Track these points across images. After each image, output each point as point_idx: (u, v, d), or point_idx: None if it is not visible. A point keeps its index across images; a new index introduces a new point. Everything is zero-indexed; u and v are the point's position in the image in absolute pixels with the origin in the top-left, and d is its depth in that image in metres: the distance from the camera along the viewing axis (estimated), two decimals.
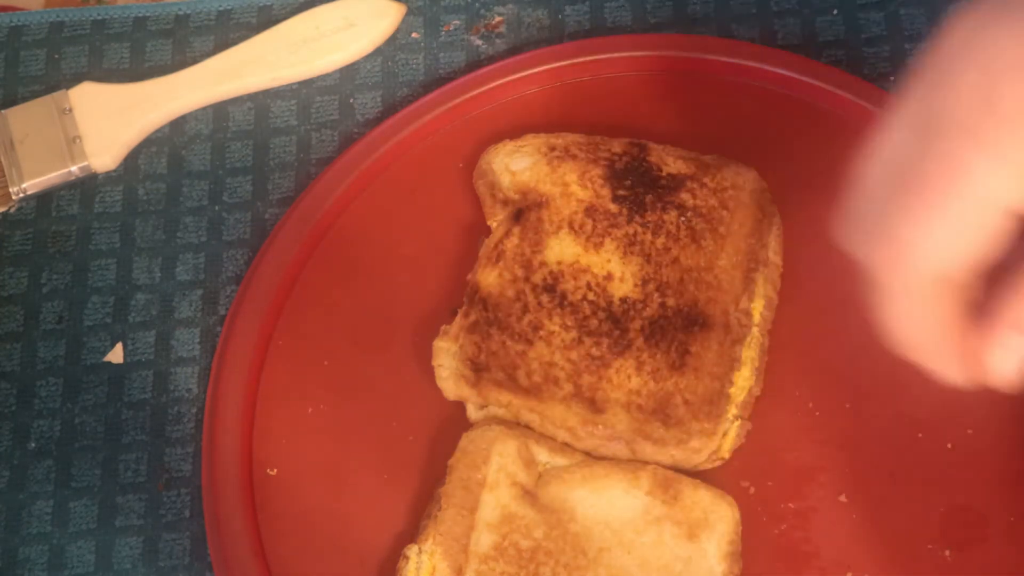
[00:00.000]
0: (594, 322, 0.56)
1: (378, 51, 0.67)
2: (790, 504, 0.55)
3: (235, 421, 0.57)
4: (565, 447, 0.54)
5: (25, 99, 0.66)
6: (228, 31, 0.68)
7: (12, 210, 0.64)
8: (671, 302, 0.56)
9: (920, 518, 0.54)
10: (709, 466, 0.54)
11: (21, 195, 0.64)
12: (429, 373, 0.56)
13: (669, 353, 0.55)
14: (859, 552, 0.53)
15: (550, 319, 0.56)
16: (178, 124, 0.66)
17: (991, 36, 0.40)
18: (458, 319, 0.56)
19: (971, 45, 0.40)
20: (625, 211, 0.58)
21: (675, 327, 0.55)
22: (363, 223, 0.62)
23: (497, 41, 0.67)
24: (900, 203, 0.41)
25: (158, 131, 0.66)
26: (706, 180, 0.58)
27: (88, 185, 0.65)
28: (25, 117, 0.65)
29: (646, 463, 0.53)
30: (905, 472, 0.55)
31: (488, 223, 0.60)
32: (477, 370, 0.55)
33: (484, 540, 0.52)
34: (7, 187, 0.64)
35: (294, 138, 0.65)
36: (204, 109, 0.66)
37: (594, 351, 0.55)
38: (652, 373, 0.54)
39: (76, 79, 0.66)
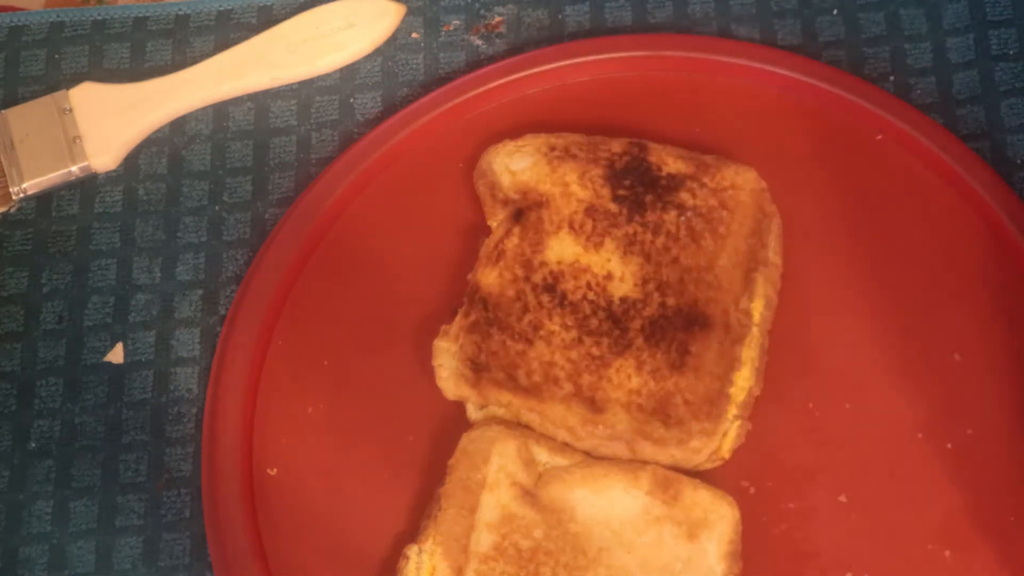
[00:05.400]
0: (594, 322, 0.56)
1: (378, 51, 0.67)
2: (790, 504, 0.55)
3: (235, 421, 0.57)
4: (565, 447, 0.54)
5: (25, 99, 0.66)
6: (228, 31, 0.68)
7: (12, 210, 0.64)
8: (671, 302, 0.56)
9: (920, 518, 0.54)
10: (709, 466, 0.54)
11: (21, 195, 0.64)
12: (429, 373, 0.56)
13: (669, 353, 0.55)
14: (859, 552, 0.54)
15: (550, 319, 0.56)
16: (178, 124, 0.66)
17: None
18: (458, 319, 0.56)
19: None
20: (625, 211, 0.58)
21: (675, 327, 0.55)
22: (363, 223, 0.62)
23: (497, 41, 0.67)
24: None
25: (158, 131, 0.66)
26: (706, 180, 0.58)
27: (88, 185, 0.65)
28: (25, 117, 0.65)
29: (646, 463, 0.53)
30: (905, 472, 0.55)
31: (488, 223, 0.60)
32: (477, 370, 0.55)
33: (484, 540, 0.52)
34: (7, 187, 0.64)
35: (294, 138, 0.65)
36: (204, 109, 0.66)
37: (594, 351, 0.55)
38: (652, 373, 0.54)
39: (76, 79, 0.66)
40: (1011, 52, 0.64)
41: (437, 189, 0.62)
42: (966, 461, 0.55)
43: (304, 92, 0.66)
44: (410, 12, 0.68)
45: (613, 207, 0.58)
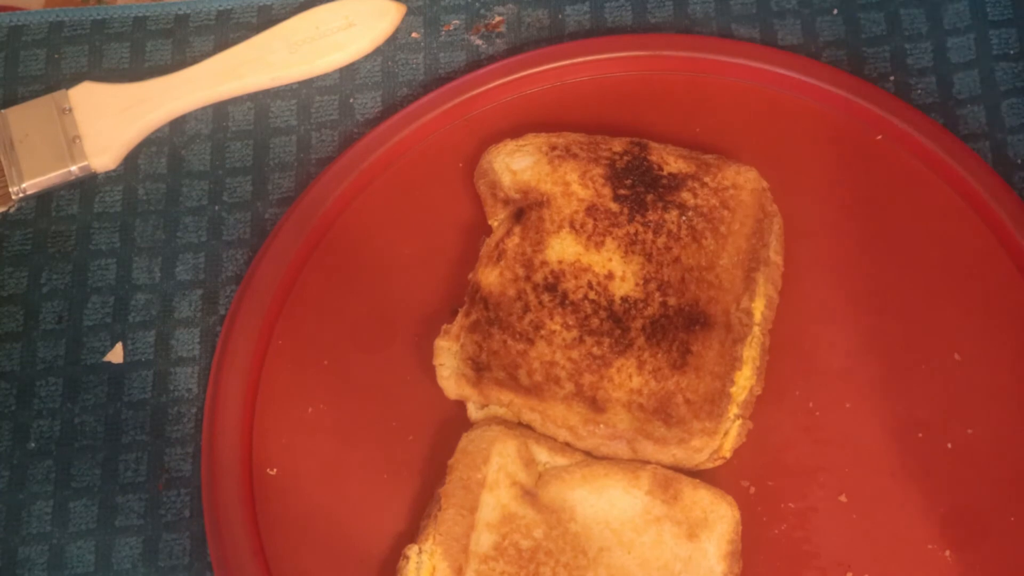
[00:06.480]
0: (595, 321, 0.56)
1: (378, 51, 0.67)
2: (790, 504, 0.55)
3: (235, 421, 0.57)
4: (565, 447, 0.54)
5: (25, 99, 0.66)
6: (228, 31, 0.68)
7: (12, 210, 0.64)
8: (672, 301, 0.56)
9: (920, 518, 0.54)
10: (710, 465, 0.54)
11: (21, 195, 0.64)
12: (430, 372, 0.56)
13: (670, 352, 0.55)
14: (859, 552, 0.54)
15: (551, 318, 0.56)
16: (178, 124, 0.66)
17: None
18: (459, 318, 0.56)
19: None
20: (626, 210, 0.58)
21: (676, 326, 0.55)
22: (363, 223, 0.62)
23: (497, 41, 0.67)
24: None
25: (158, 131, 0.65)
26: (707, 179, 0.58)
27: (88, 185, 0.64)
28: (25, 117, 0.65)
29: (646, 463, 0.53)
30: (905, 472, 0.55)
31: (489, 222, 0.60)
32: (478, 369, 0.55)
33: (484, 540, 0.52)
34: (7, 187, 0.64)
35: (294, 138, 0.65)
36: (204, 109, 0.66)
37: (595, 350, 0.55)
38: (653, 372, 0.54)
39: (76, 79, 0.66)
40: (1012, 52, 0.64)
41: (437, 189, 0.62)
42: (966, 461, 0.55)
43: (304, 92, 0.66)
44: (410, 12, 0.68)
45: (614, 206, 0.58)
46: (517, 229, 0.58)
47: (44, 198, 0.64)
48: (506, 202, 0.59)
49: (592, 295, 0.56)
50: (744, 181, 0.58)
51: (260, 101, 0.66)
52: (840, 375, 0.57)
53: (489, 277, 0.57)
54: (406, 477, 0.56)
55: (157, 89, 0.66)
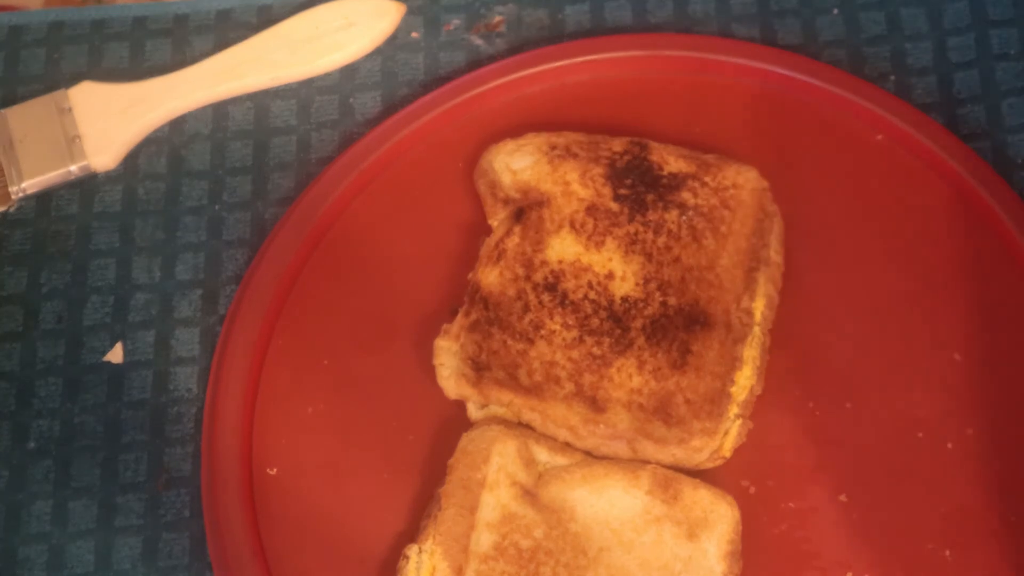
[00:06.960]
0: (595, 321, 0.56)
1: (378, 51, 0.67)
2: (790, 504, 0.55)
3: (235, 421, 0.57)
4: (565, 447, 0.54)
5: (25, 98, 0.66)
6: (228, 31, 0.68)
7: (12, 210, 0.64)
8: (672, 301, 0.56)
9: (920, 518, 0.54)
10: (710, 465, 0.54)
11: (21, 194, 0.64)
12: (430, 372, 0.56)
13: (670, 352, 0.55)
14: (859, 552, 0.53)
15: (551, 318, 0.56)
16: (178, 124, 0.66)
17: None
18: (459, 318, 0.56)
19: None
20: (626, 210, 0.58)
21: (676, 326, 0.55)
22: (363, 223, 0.62)
23: (497, 41, 0.67)
24: None
25: (158, 130, 0.65)
26: (707, 179, 0.58)
27: (88, 185, 0.64)
28: (25, 116, 0.65)
29: (646, 462, 0.53)
30: (905, 472, 0.55)
31: (489, 222, 0.60)
32: (478, 369, 0.55)
33: (484, 540, 0.52)
34: (6, 186, 0.63)
35: (294, 138, 0.65)
36: (204, 109, 0.66)
37: (595, 350, 0.55)
38: (653, 372, 0.54)
39: (76, 78, 0.66)
40: (1012, 51, 0.64)
41: (437, 189, 0.62)
42: (966, 461, 0.55)
43: (304, 92, 0.66)
44: (410, 11, 0.68)
45: (614, 206, 0.58)
46: (517, 229, 0.58)
47: (44, 198, 0.64)
48: (506, 202, 0.59)
49: (592, 295, 0.56)
50: (744, 181, 0.58)
51: (260, 101, 0.66)
52: (840, 375, 0.57)
53: (489, 277, 0.57)
54: (406, 477, 0.56)
55: (157, 89, 0.66)
